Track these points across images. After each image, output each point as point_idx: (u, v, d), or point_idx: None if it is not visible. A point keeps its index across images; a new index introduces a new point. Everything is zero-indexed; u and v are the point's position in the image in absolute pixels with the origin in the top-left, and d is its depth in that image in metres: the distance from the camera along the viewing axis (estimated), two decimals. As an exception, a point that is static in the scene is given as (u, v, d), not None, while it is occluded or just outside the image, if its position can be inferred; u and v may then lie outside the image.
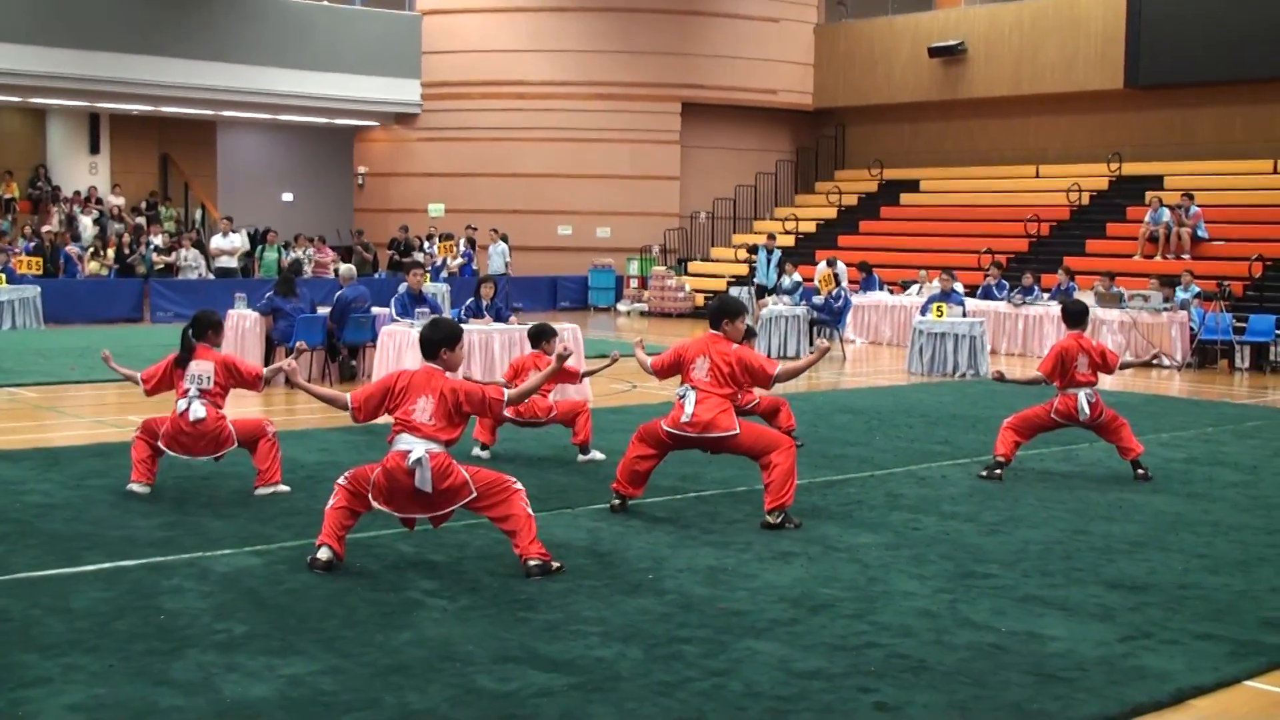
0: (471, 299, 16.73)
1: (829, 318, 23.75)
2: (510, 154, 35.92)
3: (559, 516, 9.66)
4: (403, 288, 17.74)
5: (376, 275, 30.84)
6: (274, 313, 17.86)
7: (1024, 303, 24.43)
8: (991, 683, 6.25)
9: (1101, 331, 23.17)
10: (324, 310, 18.12)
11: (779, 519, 9.32)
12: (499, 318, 16.55)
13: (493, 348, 15.92)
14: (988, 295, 25.37)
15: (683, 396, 9.49)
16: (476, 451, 12.05)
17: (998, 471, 11.52)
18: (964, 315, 21.46)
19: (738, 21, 36.81)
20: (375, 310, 18.17)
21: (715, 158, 37.70)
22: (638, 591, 7.66)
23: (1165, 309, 22.74)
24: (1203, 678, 6.42)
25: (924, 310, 21.73)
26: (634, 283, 35.08)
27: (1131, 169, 31.96)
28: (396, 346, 15.67)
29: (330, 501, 8.21)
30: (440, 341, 8.19)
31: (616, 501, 9.82)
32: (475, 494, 7.94)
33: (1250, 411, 16.72)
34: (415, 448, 7.92)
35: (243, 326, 17.95)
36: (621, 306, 34.57)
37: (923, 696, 6.05)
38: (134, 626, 6.85)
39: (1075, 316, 11.88)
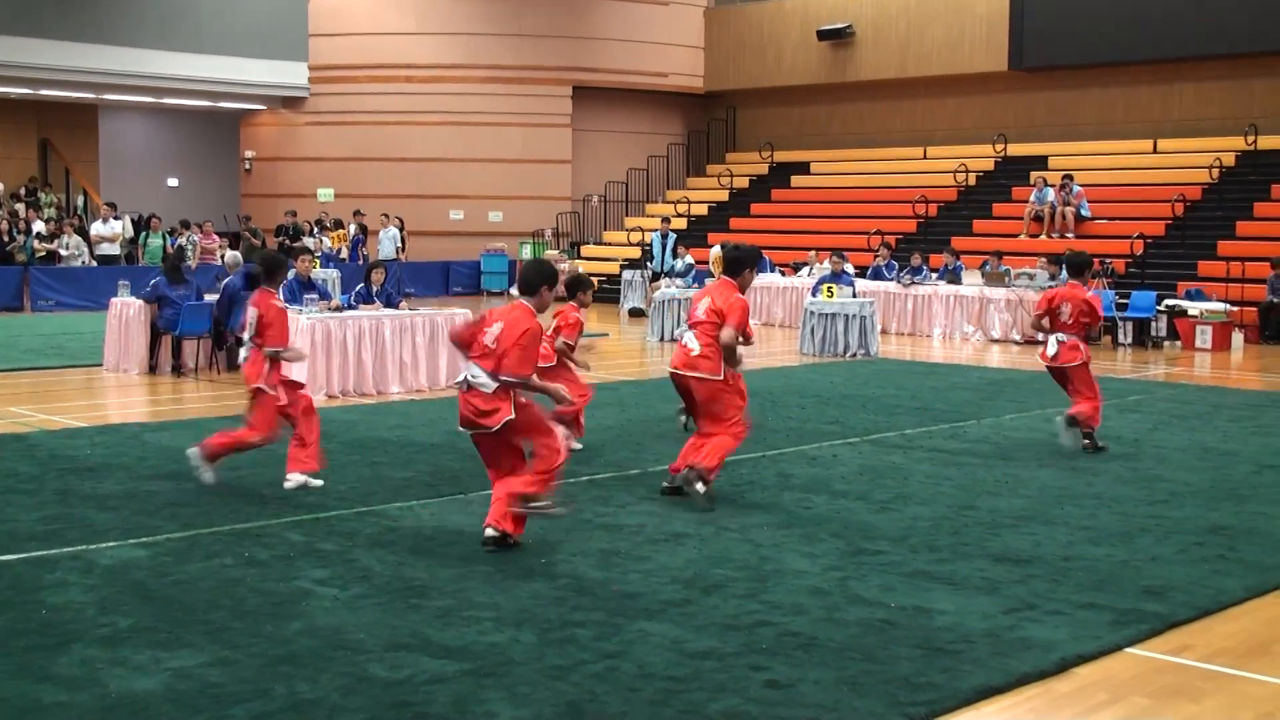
0: (361, 284, 16.58)
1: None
2: (400, 138, 35.63)
3: (452, 502, 9.61)
4: (291, 273, 17.49)
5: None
6: (159, 301, 17.55)
7: (913, 283, 24.72)
8: (881, 657, 6.33)
9: (988, 310, 23.53)
10: (211, 297, 17.85)
11: (695, 480, 9.41)
12: (389, 303, 16.42)
13: (383, 334, 15.80)
14: (877, 276, 25.64)
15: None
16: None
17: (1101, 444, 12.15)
18: (854, 296, 21.67)
19: (628, 4, 36.78)
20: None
21: (607, 141, 37.68)
22: (531, 576, 7.65)
23: (1050, 287, 23.08)
24: (1086, 646, 6.55)
25: (815, 291, 21.91)
26: (527, 266, 34.95)
27: (1016, 150, 32.43)
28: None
29: None
30: (544, 279, 8.38)
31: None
32: (499, 427, 8.00)
33: (1132, 386, 17.07)
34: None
35: (127, 315, 17.62)
36: (515, 291, 34.36)
37: (814, 673, 6.11)
38: (15, 622, 6.71)
39: (1075, 268, 12.30)
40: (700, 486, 9.45)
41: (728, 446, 9.58)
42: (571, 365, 11.46)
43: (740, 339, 9.69)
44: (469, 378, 8.11)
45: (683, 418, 10.83)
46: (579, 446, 11.46)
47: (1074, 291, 12.23)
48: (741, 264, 9.86)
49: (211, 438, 10.15)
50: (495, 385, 8.01)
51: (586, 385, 11.96)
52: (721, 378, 9.58)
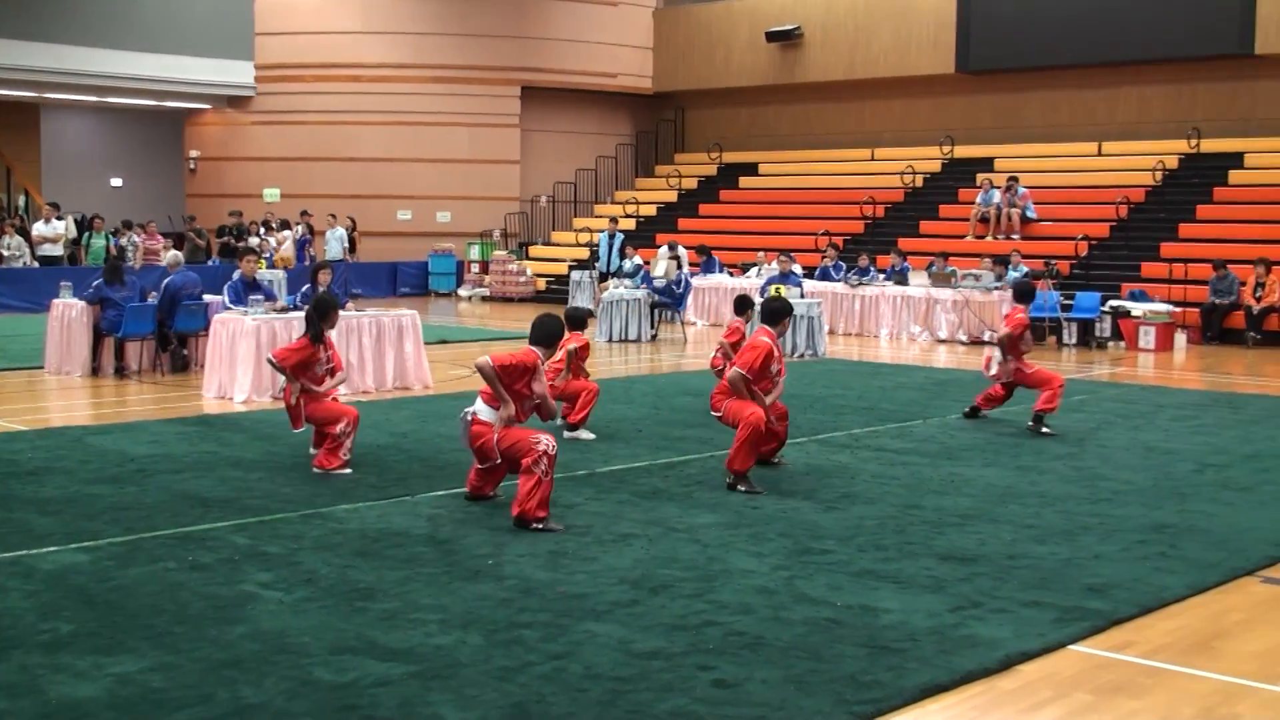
0: (308, 285, 16.45)
1: (670, 300, 23.88)
2: (347, 138, 35.45)
3: (398, 504, 9.58)
4: (236, 275, 17.40)
5: (209, 262, 30.21)
6: (102, 302, 17.39)
7: (860, 283, 24.82)
8: (827, 656, 6.36)
9: (935, 311, 23.66)
10: (155, 299, 17.71)
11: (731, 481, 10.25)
12: (336, 304, 16.32)
13: (330, 335, 15.69)
14: (825, 276, 25.73)
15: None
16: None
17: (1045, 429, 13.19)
18: (802, 296, 21.73)
19: (576, 4, 36.74)
20: (208, 298, 17.81)
21: (555, 141, 37.62)
22: (477, 578, 7.63)
23: (996, 288, 23.27)
24: (1030, 644, 6.60)
25: (763, 292, 21.93)
26: (475, 267, 34.86)
27: (963, 152, 32.61)
28: (230, 335, 15.36)
29: None
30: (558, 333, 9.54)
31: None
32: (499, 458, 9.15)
33: (1076, 386, 17.20)
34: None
35: (69, 316, 17.44)
36: (463, 292, 34.34)
37: (761, 672, 6.13)
38: (-46, 627, 6.64)
39: (1021, 295, 14.01)
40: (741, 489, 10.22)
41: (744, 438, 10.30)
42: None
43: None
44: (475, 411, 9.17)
45: None
46: (590, 437, 12.57)
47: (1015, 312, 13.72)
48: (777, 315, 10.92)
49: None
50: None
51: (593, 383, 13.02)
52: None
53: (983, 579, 7.74)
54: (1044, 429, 13.13)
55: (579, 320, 13.09)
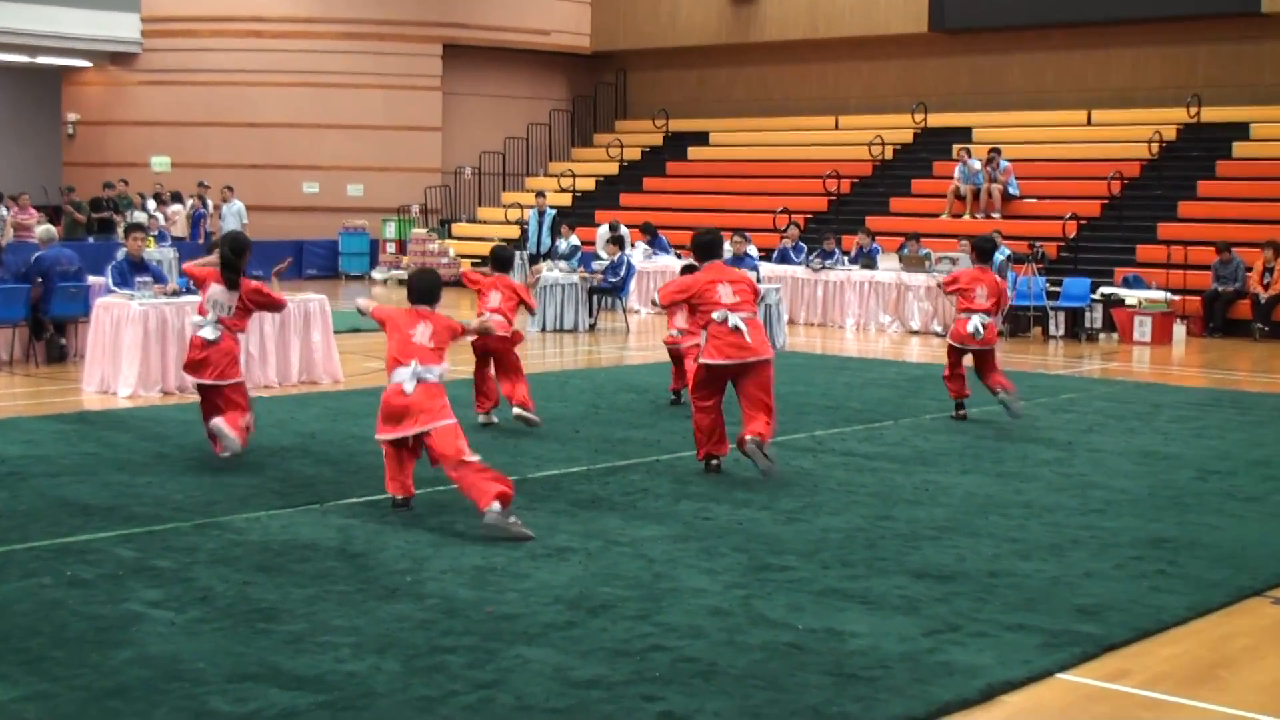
0: (202, 266, 16.36)
1: (610, 285, 23.87)
2: (246, 100, 35.20)
3: (306, 513, 9.53)
4: (121, 254, 17.27)
5: (89, 239, 29.95)
6: (-34, 284, 17.21)
7: (823, 267, 24.91)
8: (788, 685, 6.37)
9: (907, 298, 23.78)
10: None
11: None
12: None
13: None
14: (784, 259, 25.81)
15: (726, 321, 10.80)
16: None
17: (962, 412, 14.15)
18: (758, 282, 21.75)
19: (506, -48, 36.75)
20: (90, 280, 17.64)
21: (482, 106, 37.52)
22: (395, 596, 7.60)
23: (975, 273, 23.37)
24: (1014, 671, 6.64)
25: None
26: (391, 247, 34.72)
27: (938, 120, 32.79)
28: (114, 321, 15.22)
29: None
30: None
31: (715, 462, 11.26)
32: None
33: (1065, 383, 17.35)
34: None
35: (-71, 300, 17.26)
36: (377, 274, 34.21)
37: (713, 703, 6.13)
38: None
39: (984, 253, 14.40)
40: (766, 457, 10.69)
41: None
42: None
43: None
44: (418, 375, 9.35)
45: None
46: (495, 419, 13.15)
47: (985, 274, 14.14)
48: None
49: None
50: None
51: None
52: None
53: (961, 599, 7.77)
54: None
55: (505, 260, 13.38)
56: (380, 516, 9.44)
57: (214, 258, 11.79)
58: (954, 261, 23.68)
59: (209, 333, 11.15)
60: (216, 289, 11.26)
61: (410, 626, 7.08)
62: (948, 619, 7.40)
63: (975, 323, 13.79)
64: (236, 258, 11.27)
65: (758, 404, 10.83)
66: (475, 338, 12.24)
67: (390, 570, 8.11)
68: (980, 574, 8.30)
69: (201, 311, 11.34)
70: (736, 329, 10.74)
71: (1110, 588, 8.09)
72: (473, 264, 32.97)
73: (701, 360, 11.02)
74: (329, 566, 8.16)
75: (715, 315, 10.79)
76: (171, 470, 10.86)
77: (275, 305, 11.88)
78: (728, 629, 7.15)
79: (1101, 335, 23.10)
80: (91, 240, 29.70)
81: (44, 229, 19.19)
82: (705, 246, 11.26)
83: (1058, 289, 23.95)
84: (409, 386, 9.31)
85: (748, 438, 10.74)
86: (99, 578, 7.87)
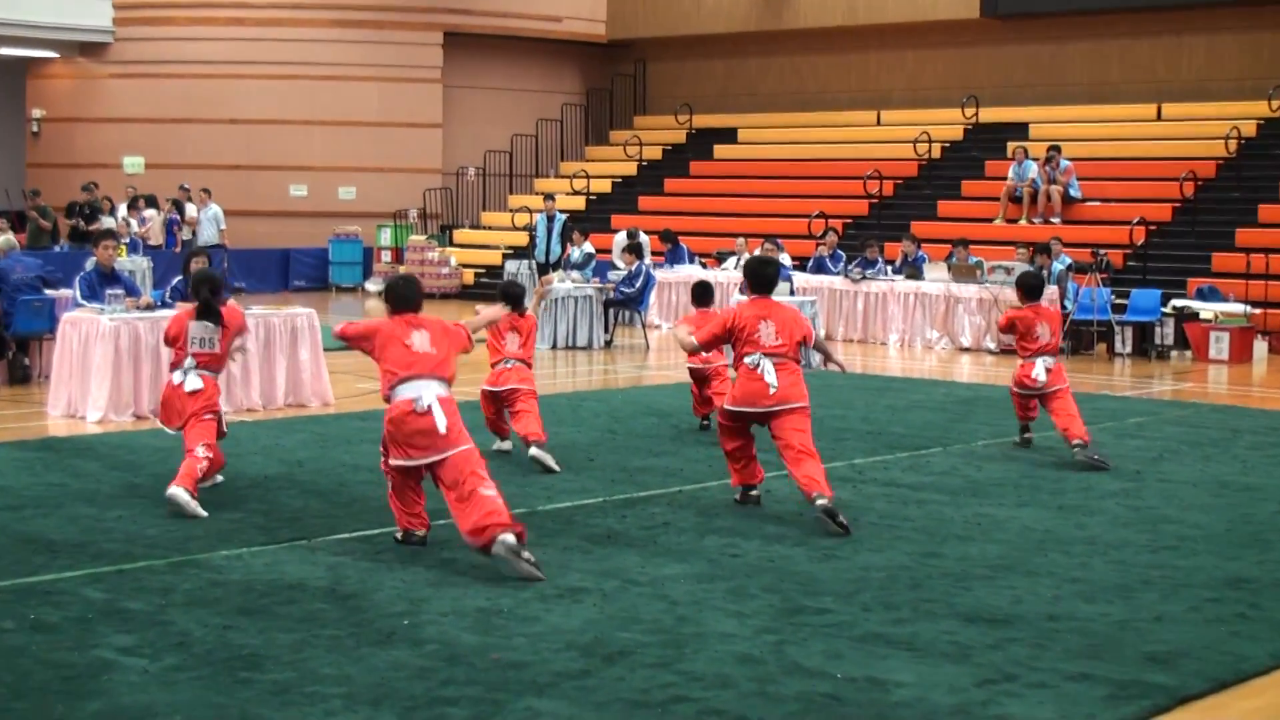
0: (179, 278, 16.38)
1: (628, 296, 23.88)
2: (228, 94, 35.32)
3: (292, 550, 9.53)
4: (90, 263, 17.31)
5: (57, 248, 30.04)
6: (-80, 297, 17.28)
7: (864, 277, 24.90)
8: (826, 741, 6.36)
9: (956, 311, 23.75)
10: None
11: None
12: (214, 301, 16.27)
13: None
14: (820, 269, 25.80)
15: (757, 366, 10.79)
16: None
17: (1027, 435, 14.16)
18: (791, 294, 21.79)
19: (513, -69, 36.87)
20: (55, 293, 17.69)
21: (487, 101, 37.61)
22: (390, 642, 7.60)
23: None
24: (1076, 727, 6.62)
25: (744, 288, 21.97)
26: (386, 256, 34.82)
27: (990, 115, 32.77)
28: (82, 339, 15.24)
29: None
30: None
31: (753, 494, 11.34)
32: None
33: (1133, 406, 17.30)
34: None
35: (-121, 315, 17.33)
36: (370, 286, 34.26)
37: (743, 761, 6.12)
38: None
39: (1032, 290, 14.14)
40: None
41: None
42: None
43: None
44: (431, 397, 9.30)
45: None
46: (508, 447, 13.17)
47: (1042, 310, 14.03)
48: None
49: None
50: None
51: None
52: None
53: (1017, 645, 7.75)
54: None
55: (517, 298, 13.13)
56: (374, 554, 9.44)
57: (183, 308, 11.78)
58: (1008, 271, 23.63)
59: (192, 382, 11.00)
60: (195, 325, 11.12)
61: (407, 675, 7.08)
62: (1003, 668, 7.38)
63: (1041, 367, 13.58)
64: (215, 297, 11.20)
65: (796, 454, 10.75)
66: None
67: (385, 613, 8.11)
68: (1039, 617, 8.27)
69: (179, 358, 11.17)
70: (760, 370, 10.76)
71: (1184, 633, 8.06)
72: (475, 274, 33.12)
73: (724, 405, 11.14)
74: (318, 609, 8.16)
75: (748, 359, 10.81)
76: (145, 503, 10.87)
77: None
78: (758, 678, 7.14)
79: (1173, 353, 23.03)
80: (59, 249, 29.72)
81: (4, 239, 19.25)
82: (759, 279, 11.22)
83: (1124, 301, 23.89)
84: (423, 404, 9.25)
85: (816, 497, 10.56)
86: (65, 621, 7.88)
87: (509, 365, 12.81)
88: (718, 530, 10.36)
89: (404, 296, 9.75)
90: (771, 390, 10.69)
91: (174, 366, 11.23)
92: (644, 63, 39.12)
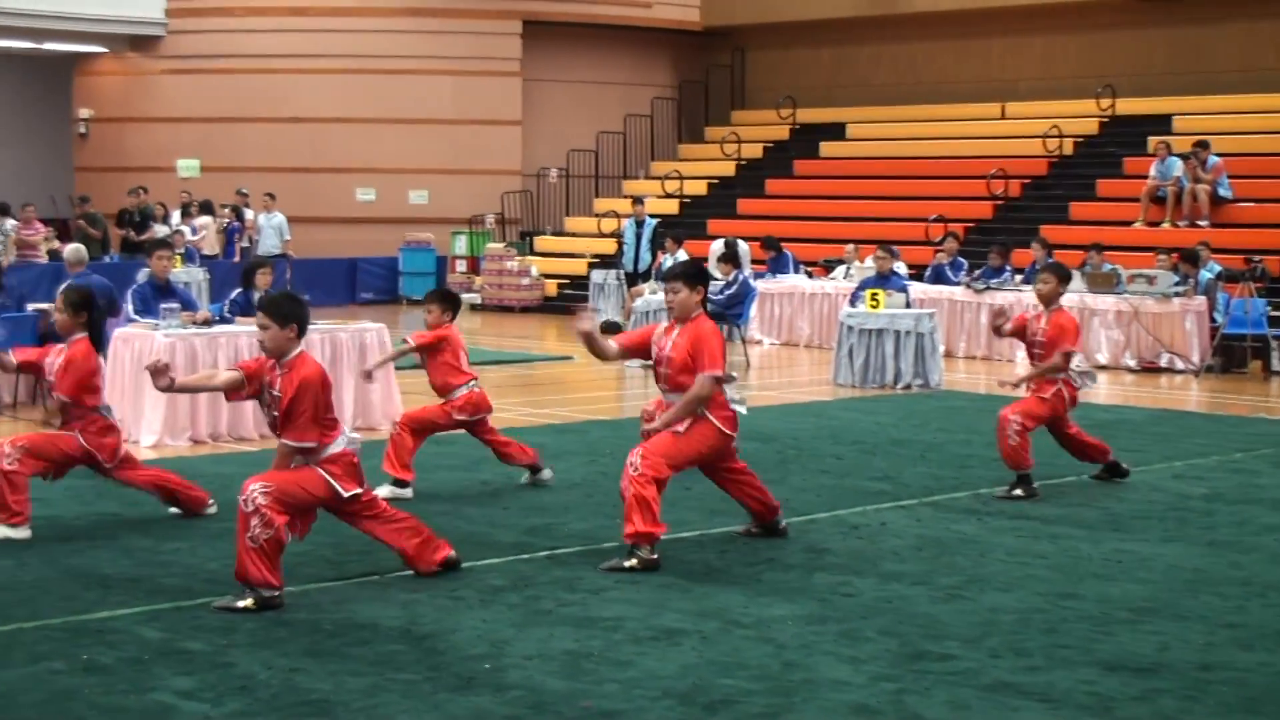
0: (240, 290, 16.53)
1: (726, 309, 23.86)
2: (289, 90, 35.58)
3: (363, 586, 9.59)
4: (143, 275, 17.46)
5: (106, 258, 30.35)
6: (-42, 311, 17.55)
7: (988, 287, 24.75)
8: (952, 800, 6.34)
9: (1092, 324, 23.55)
10: (36, 307, 17.82)
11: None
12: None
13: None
14: (940, 278, 25.69)
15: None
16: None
17: (1034, 486, 12.97)
18: (908, 305, 21.70)
19: (598, -92, 37.03)
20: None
21: (570, 95, 37.71)
22: (470, 687, 7.63)
23: (1178, 294, 23.12)
24: (1231, 786, 6.58)
25: (854, 300, 21.94)
26: (462, 265, 34.99)
27: (1129, 106, 32.55)
28: (135, 357, 15.35)
29: None
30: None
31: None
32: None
33: (1288, 430, 17.15)
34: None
35: (-84, 331, 17.60)
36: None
37: (860, 821, 6.12)
38: None
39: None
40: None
41: None
42: None
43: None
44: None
45: None
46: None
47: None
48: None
49: None
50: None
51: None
52: None
53: (1166, 697, 7.69)
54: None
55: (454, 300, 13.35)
56: (451, 591, 9.47)
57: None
58: (1150, 280, 23.44)
59: None
60: None
61: (491, 724, 7.12)
62: (1148, 720, 7.34)
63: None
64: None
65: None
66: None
67: (465, 655, 8.15)
68: (1189, 666, 8.20)
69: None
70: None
71: (1350, 683, 7.99)
72: (558, 285, 33.22)
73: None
74: (392, 650, 8.20)
75: None
76: (204, 535, 10.97)
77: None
78: (876, 730, 7.13)
79: (1336, 370, 22.81)
80: (110, 260, 30.00)
81: (73, 249, 19.37)
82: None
83: (1281, 314, 23.68)
84: None
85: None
86: (120, 662, 7.96)
87: (475, 388, 13.01)
88: (828, 567, 10.34)
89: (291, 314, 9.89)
90: None
91: None
92: (743, 52, 39.14)
